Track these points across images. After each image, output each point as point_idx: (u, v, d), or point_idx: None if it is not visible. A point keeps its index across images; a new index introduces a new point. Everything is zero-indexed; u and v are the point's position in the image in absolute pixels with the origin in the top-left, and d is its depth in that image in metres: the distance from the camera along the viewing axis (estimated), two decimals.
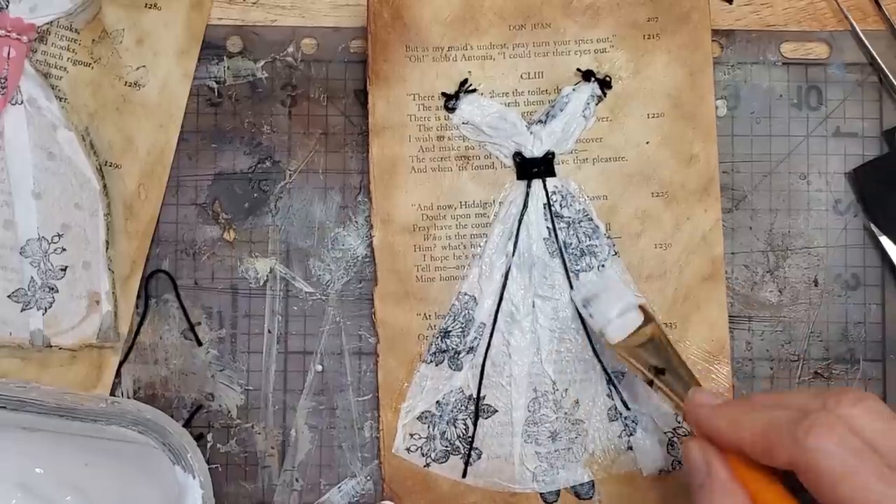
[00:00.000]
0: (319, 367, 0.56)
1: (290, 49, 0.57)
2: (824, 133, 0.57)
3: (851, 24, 0.57)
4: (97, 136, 0.56)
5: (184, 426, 0.55)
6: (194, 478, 0.51)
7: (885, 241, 0.56)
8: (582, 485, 0.54)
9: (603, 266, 0.55)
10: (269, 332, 0.56)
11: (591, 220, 0.55)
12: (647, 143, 0.55)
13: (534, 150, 0.55)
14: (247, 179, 0.57)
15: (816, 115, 0.57)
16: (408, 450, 0.55)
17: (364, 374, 0.56)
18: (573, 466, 0.55)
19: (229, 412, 0.56)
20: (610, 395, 0.55)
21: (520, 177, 0.55)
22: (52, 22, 0.56)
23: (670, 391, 0.48)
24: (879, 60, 0.56)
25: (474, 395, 0.55)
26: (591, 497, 0.55)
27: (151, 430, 0.52)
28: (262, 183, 0.57)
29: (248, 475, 0.56)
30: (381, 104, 0.55)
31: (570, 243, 0.55)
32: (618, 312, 0.51)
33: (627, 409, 0.55)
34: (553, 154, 0.55)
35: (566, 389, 0.55)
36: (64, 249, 0.56)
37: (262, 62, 0.57)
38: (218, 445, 0.56)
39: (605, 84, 0.56)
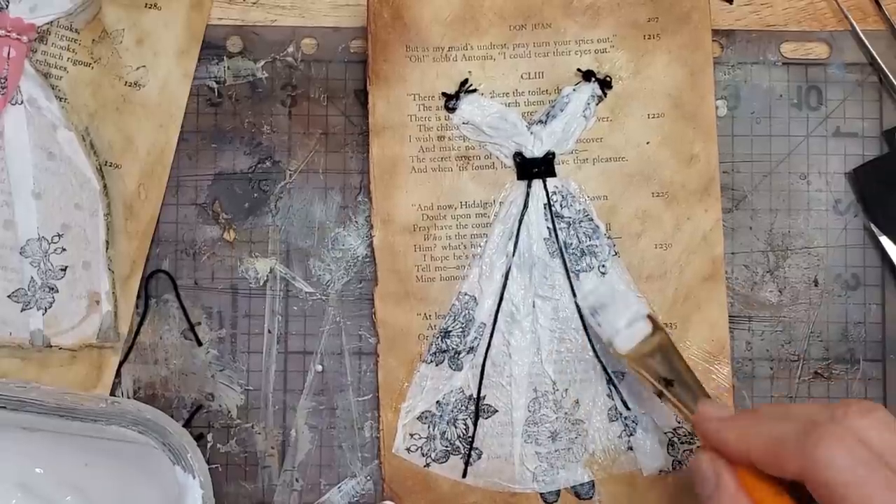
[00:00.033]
0: (319, 367, 0.56)
1: (290, 49, 0.57)
2: (824, 133, 0.57)
3: (851, 24, 0.57)
4: (97, 136, 0.56)
5: (184, 426, 0.55)
6: (194, 478, 0.51)
7: (885, 241, 0.56)
8: (582, 485, 0.54)
9: (604, 266, 0.55)
10: (269, 332, 0.56)
11: (592, 220, 0.55)
12: (648, 143, 0.55)
13: (534, 151, 0.55)
14: (247, 179, 0.57)
15: (816, 115, 0.57)
16: (408, 450, 0.55)
17: (364, 374, 0.56)
18: (573, 466, 0.55)
19: (229, 412, 0.56)
20: (610, 396, 0.55)
21: (520, 177, 0.55)
22: (52, 22, 0.56)
23: (679, 403, 0.48)
24: (879, 60, 0.57)
25: (474, 395, 0.55)
26: (591, 497, 0.55)
27: (151, 430, 0.52)
28: (262, 183, 0.57)
29: (248, 475, 0.56)
30: (382, 104, 0.55)
31: (571, 243, 0.55)
32: (626, 322, 0.51)
33: (627, 409, 0.55)
34: (553, 154, 0.55)
35: (566, 389, 0.55)
36: (64, 249, 0.56)
37: (262, 62, 0.57)
38: (218, 445, 0.56)
39: (605, 84, 0.56)
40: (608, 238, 0.55)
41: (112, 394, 0.56)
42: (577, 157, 0.56)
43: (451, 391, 0.55)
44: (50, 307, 0.56)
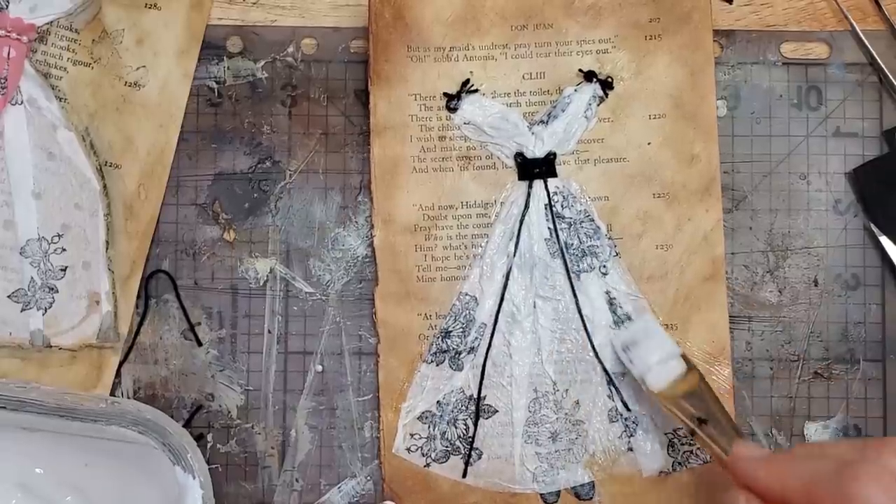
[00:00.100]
0: (319, 368, 0.56)
1: (290, 49, 0.57)
2: (824, 133, 0.57)
3: (851, 24, 0.57)
4: (97, 137, 0.56)
5: (184, 426, 0.55)
6: (194, 478, 0.51)
7: (885, 241, 0.56)
8: (582, 485, 0.54)
9: (605, 267, 0.55)
10: (269, 332, 0.56)
11: (593, 220, 0.55)
12: (649, 143, 0.55)
13: (535, 151, 0.55)
14: (247, 179, 0.57)
15: (816, 115, 0.57)
16: (408, 450, 0.55)
17: (364, 374, 0.56)
18: (573, 467, 0.55)
19: (229, 412, 0.56)
20: (610, 397, 0.55)
21: (521, 177, 0.55)
22: (52, 22, 0.56)
23: (712, 442, 0.48)
24: (879, 60, 0.56)
25: (475, 396, 0.55)
26: (591, 498, 0.54)
27: (151, 431, 0.52)
28: (262, 183, 0.57)
29: (248, 475, 0.56)
30: (383, 104, 0.55)
31: (572, 244, 0.55)
32: (658, 359, 0.51)
33: (628, 410, 0.55)
34: (554, 154, 0.55)
35: (567, 390, 0.55)
36: (64, 249, 0.56)
37: (262, 62, 0.57)
38: (218, 445, 0.56)
39: (606, 85, 0.56)
40: (609, 239, 0.55)
41: (112, 394, 0.56)
42: (579, 157, 0.56)
43: (452, 391, 0.55)
44: (50, 307, 0.56)
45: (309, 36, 0.57)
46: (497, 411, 0.55)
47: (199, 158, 0.57)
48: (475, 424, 0.55)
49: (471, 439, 0.55)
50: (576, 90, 0.55)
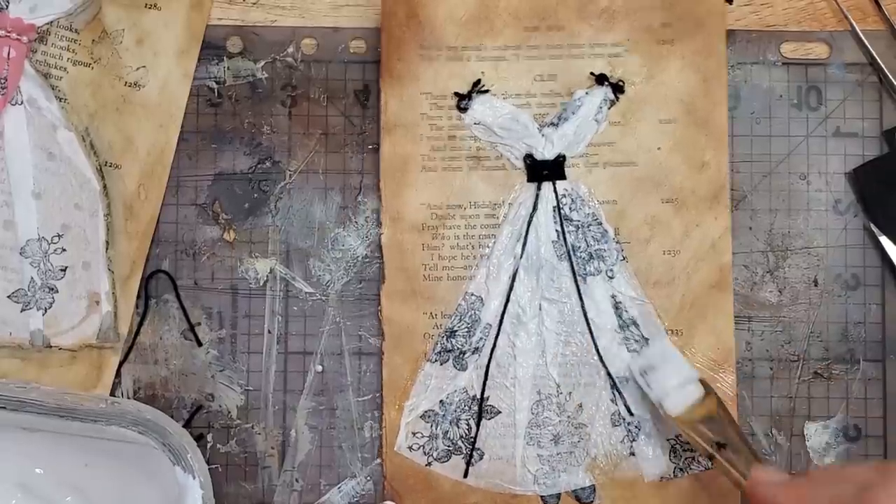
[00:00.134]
0: (319, 368, 0.56)
1: (290, 49, 0.57)
2: (824, 133, 0.57)
3: (851, 24, 0.57)
4: (97, 137, 0.56)
5: (184, 426, 0.55)
6: (194, 478, 0.51)
7: (885, 241, 0.56)
8: (583, 489, 0.54)
9: (611, 271, 0.55)
10: (269, 332, 0.56)
11: (601, 224, 0.55)
12: (659, 148, 0.55)
13: (545, 153, 0.55)
14: (247, 179, 0.57)
15: (816, 115, 0.57)
16: (410, 448, 0.55)
17: (364, 375, 0.56)
18: (575, 470, 0.54)
19: (229, 412, 0.56)
20: (614, 400, 0.55)
21: (530, 179, 0.55)
22: (52, 22, 0.56)
23: (731, 467, 0.48)
24: (879, 60, 0.56)
25: (478, 396, 0.55)
26: (591, 501, 0.54)
27: (151, 431, 0.52)
28: (262, 183, 0.57)
29: (248, 475, 0.56)
30: (394, 102, 0.55)
31: (579, 247, 0.55)
32: (676, 384, 0.51)
33: (631, 414, 0.54)
34: (564, 157, 0.55)
35: (570, 393, 0.55)
36: (64, 250, 0.56)
37: (262, 62, 0.57)
38: (218, 446, 0.56)
39: (617, 88, 0.56)
40: (616, 242, 0.55)
41: (112, 394, 0.56)
42: (588, 160, 0.56)
43: (455, 391, 0.55)
44: (50, 307, 0.56)
45: (309, 36, 0.57)
46: (500, 412, 0.55)
47: (199, 158, 0.57)
48: (477, 425, 0.55)
49: (473, 439, 0.55)
50: (587, 93, 0.55)
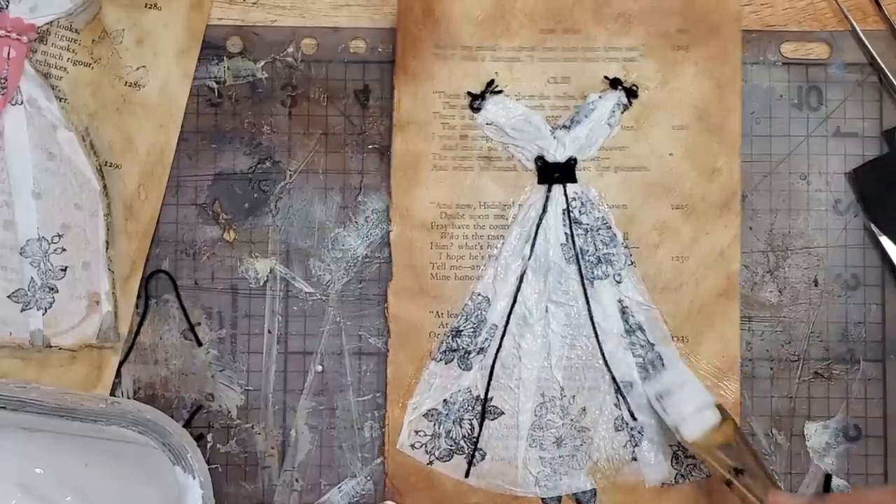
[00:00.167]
0: (319, 368, 0.56)
1: (290, 49, 0.57)
2: (824, 133, 0.57)
3: (851, 24, 0.57)
4: (97, 137, 0.56)
5: (184, 426, 0.54)
6: (194, 478, 0.51)
7: (885, 241, 0.56)
8: (584, 492, 0.54)
9: (619, 275, 0.55)
10: (269, 332, 0.56)
11: (610, 228, 0.55)
12: (671, 154, 0.55)
13: (556, 155, 0.55)
14: (247, 179, 0.57)
15: (816, 115, 0.57)
16: (412, 446, 0.55)
17: (364, 375, 0.56)
18: (576, 473, 0.54)
19: (229, 412, 0.56)
20: (617, 405, 0.55)
21: (541, 181, 0.55)
22: (52, 22, 0.56)
23: (748, 492, 0.48)
24: (879, 60, 0.56)
25: (482, 396, 0.55)
26: None
27: (151, 431, 0.52)
28: (262, 183, 0.57)
29: (248, 475, 0.56)
30: (407, 100, 0.55)
31: (587, 250, 0.55)
32: (693, 409, 0.51)
33: (634, 419, 0.54)
34: (575, 160, 0.55)
35: (574, 396, 0.55)
36: (64, 249, 0.56)
37: (262, 62, 0.57)
38: (218, 445, 0.56)
39: (631, 93, 0.55)
40: (625, 247, 0.55)
41: (112, 394, 0.56)
42: (599, 164, 0.55)
43: (459, 390, 0.55)
44: (50, 307, 0.56)
45: (309, 36, 0.57)
46: (503, 413, 0.55)
47: (199, 158, 0.57)
48: (480, 425, 0.55)
49: (475, 440, 0.55)
50: (600, 97, 0.55)
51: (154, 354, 0.56)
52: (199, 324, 0.56)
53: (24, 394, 0.52)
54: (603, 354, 0.55)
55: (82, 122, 0.56)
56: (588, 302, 0.55)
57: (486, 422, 0.55)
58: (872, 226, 0.56)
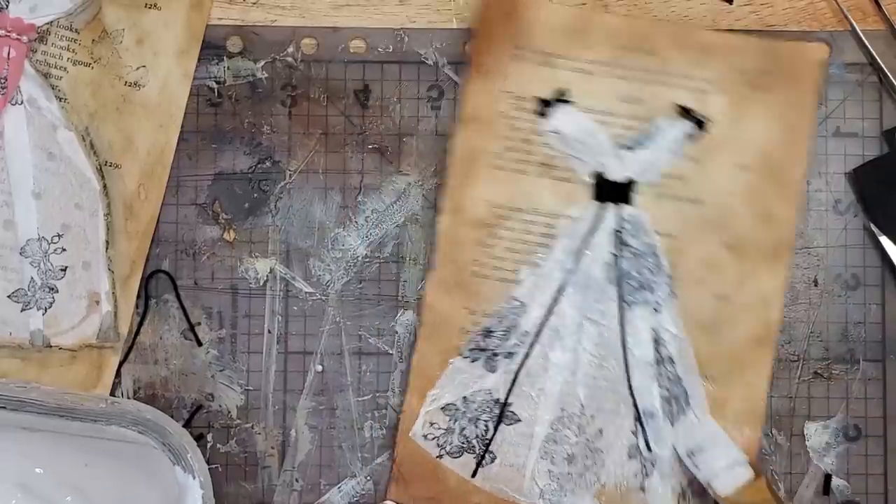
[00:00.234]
0: (319, 368, 0.56)
1: (290, 49, 0.57)
2: (824, 133, 0.57)
3: (851, 24, 0.57)
4: (97, 136, 0.56)
5: (184, 426, 0.54)
6: (194, 478, 0.51)
7: (885, 241, 0.56)
8: None
9: (658, 305, 0.54)
10: (269, 332, 0.56)
11: (657, 255, 0.54)
12: (730, 193, 0.55)
13: (615, 175, 0.55)
14: (247, 179, 0.57)
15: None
16: (425, 437, 0.55)
17: (364, 374, 0.56)
18: (582, 493, 0.54)
19: (229, 412, 0.56)
20: (635, 433, 0.54)
21: (596, 197, 0.55)
22: (52, 22, 0.56)
23: None
24: (879, 60, 0.56)
25: (501, 400, 0.55)
26: None
27: (151, 431, 0.52)
28: (262, 183, 0.57)
29: (248, 475, 0.56)
30: (476, 95, 0.55)
31: (631, 274, 0.54)
32: (725, 465, 0.51)
33: (650, 450, 0.54)
34: (633, 182, 0.55)
35: (593, 416, 0.54)
36: (64, 249, 0.56)
37: (262, 62, 0.57)
38: (218, 445, 0.56)
39: (700, 124, 0.55)
40: (669, 277, 0.54)
41: (112, 394, 0.56)
42: (657, 190, 0.55)
43: (480, 390, 0.55)
44: (50, 307, 0.56)
45: (309, 36, 0.57)
46: (520, 420, 0.55)
47: (199, 158, 0.57)
48: (495, 428, 0.55)
49: (488, 441, 0.55)
50: (669, 123, 0.55)
51: (154, 354, 0.56)
52: (199, 324, 0.56)
53: (24, 394, 0.52)
54: (629, 380, 0.54)
55: (82, 121, 0.56)
56: (622, 325, 0.54)
57: (502, 426, 0.55)
58: (872, 226, 0.56)
